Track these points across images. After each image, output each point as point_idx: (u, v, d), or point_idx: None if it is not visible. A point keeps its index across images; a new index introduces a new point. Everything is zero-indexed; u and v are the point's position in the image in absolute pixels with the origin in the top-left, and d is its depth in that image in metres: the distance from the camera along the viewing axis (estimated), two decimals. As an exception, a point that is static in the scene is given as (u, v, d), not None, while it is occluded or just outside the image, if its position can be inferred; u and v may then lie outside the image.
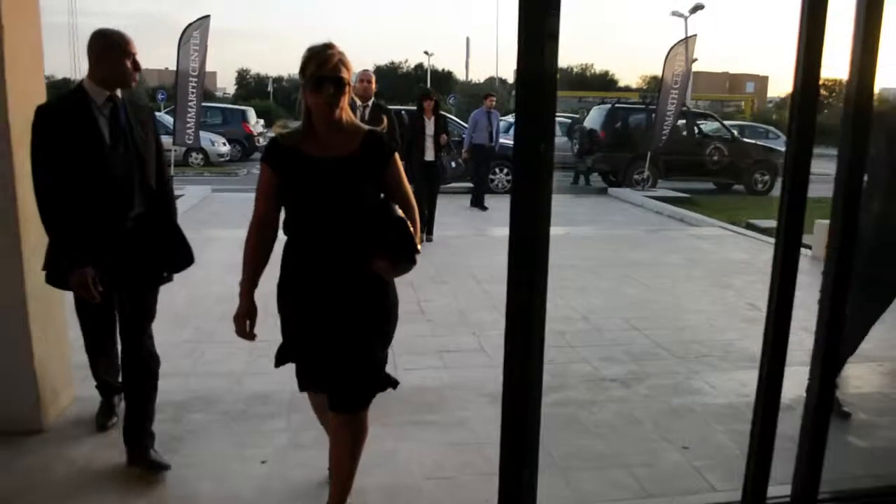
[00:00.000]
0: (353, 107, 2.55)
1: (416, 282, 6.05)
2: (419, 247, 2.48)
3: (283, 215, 2.58)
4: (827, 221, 2.65)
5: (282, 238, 2.55)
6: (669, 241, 9.35)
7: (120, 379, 3.35)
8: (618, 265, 7.62)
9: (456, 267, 7.19)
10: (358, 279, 2.47)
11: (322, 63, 2.40)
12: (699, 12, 23.45)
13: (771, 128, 23.01)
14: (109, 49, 2.96)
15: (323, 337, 2.51)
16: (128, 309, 3.14)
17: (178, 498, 2.92)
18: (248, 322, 2.54)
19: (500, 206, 11.41)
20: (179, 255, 3.25)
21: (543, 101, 2.16)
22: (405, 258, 2.44)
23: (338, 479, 2.67)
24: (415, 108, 9.13)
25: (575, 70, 57.74)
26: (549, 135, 2.18)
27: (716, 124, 16.43)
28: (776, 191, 15.35)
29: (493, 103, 12.04)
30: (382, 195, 2.55)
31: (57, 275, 3.07)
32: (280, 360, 2.70)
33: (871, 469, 3.37)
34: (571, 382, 4.22)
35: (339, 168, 2.44)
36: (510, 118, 20.22)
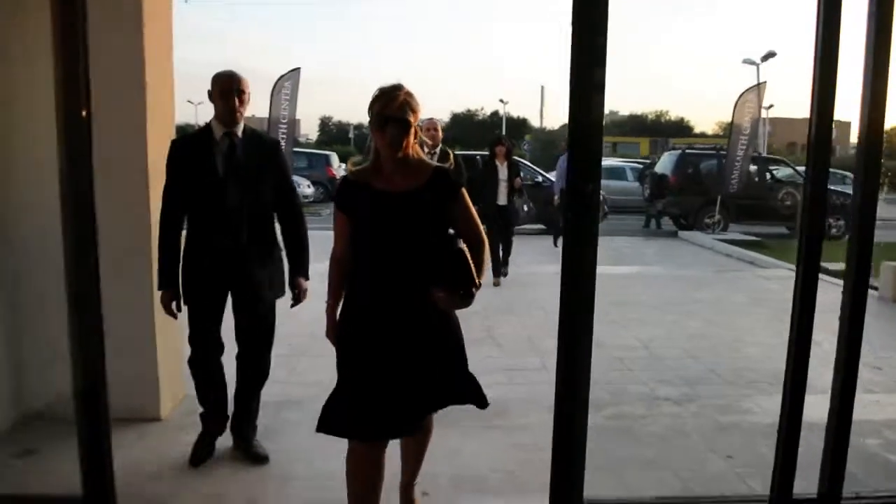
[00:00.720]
0: (422, 147, 2.66)
1: (486, 312, 6.50)
2: (479, 281, 2.53)
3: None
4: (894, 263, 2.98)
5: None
6: (736, 281, 9.53)
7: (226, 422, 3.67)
8: (682, 302, 7.88)
9: (526, 300, 7.62)
10: (422, 310, 2.54)
11: (388, 103, 2.49)
12: (772, 59, 23.39)
13: (848, 173, 22.57)
14: (215, 88, 3.32)
15: (402, 363, 2.56)
16: (244, 324, 3.50)
17: (276, 475, 3.43)
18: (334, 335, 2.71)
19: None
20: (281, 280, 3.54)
21: (591, 146, 2.63)
22: (462, 290, 2.49)
23: (407, 468, 2.96)
24: (487, 153, 9.46)
25: (650, 116, 57.75)
26: (595, 177, 2.64)
27: (789, 170, 16.42)
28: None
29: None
30: (451, 231, 2.64)
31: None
32: (327, 424, 2.62)
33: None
34: (627, 399, 4.57)
35: (405, 202, 2.51)
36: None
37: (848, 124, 63.09)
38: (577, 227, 2.69)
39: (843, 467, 2.95)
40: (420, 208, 2.51)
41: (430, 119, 6.57)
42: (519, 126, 53.02)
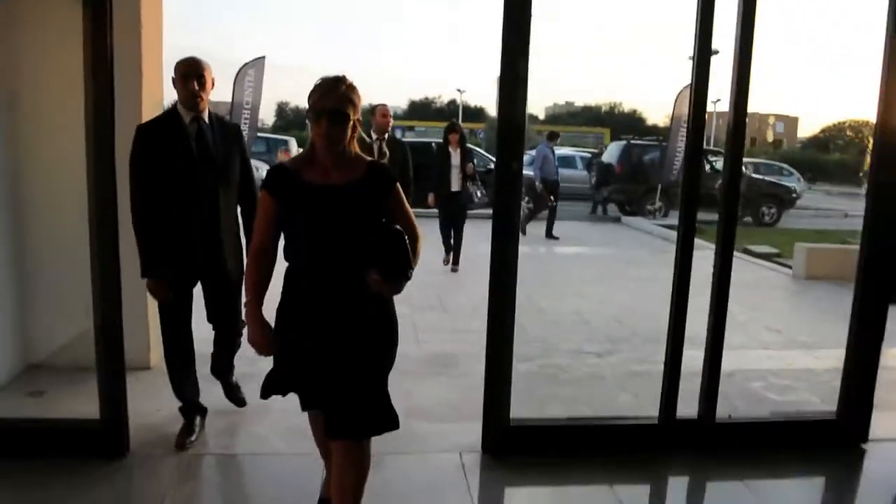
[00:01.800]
0: (364, 143, 2.74)
1: (439, 285, 7.20)
2: (413, 264, 2.45)
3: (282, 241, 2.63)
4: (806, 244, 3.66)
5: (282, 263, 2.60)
6: (668, 261, 10.34)
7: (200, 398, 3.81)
8: (617, 278, 8.72)
9: (475, 276, 8.30)
10: (359, 303, 2.47)
11: (325, 94, 2.40)
12: (715, 56, 24.44)
13: (785, 165, 23.91)
14: (177, 73, 3.39)
15: (327, 361, 2.48)
16: (218, 302, 3.63)
17: (257, 407, 4.06)
18: (264, 338, 2.56)
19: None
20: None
21: (515, 130, 3.33)
22: (398, 272, 2.40)
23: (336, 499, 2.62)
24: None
25: (603, 108, 59.09)
26: (518, 156, 3.34)
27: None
28: (783, 223, 16.33)
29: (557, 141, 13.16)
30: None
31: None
32: (268, 390, 2.63)
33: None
34: (556, 354, 5.32)
35: (338, 195, 2.44)
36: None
37: (796, 119, 65.49)
38: (504, 199, 3.39)
39: (716, 394, 3.71)
40: (354, 202, 2.45)
41: (383, 105, 6.74)
42: (476, 114, 53.72)
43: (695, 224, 3.66)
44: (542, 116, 58.95)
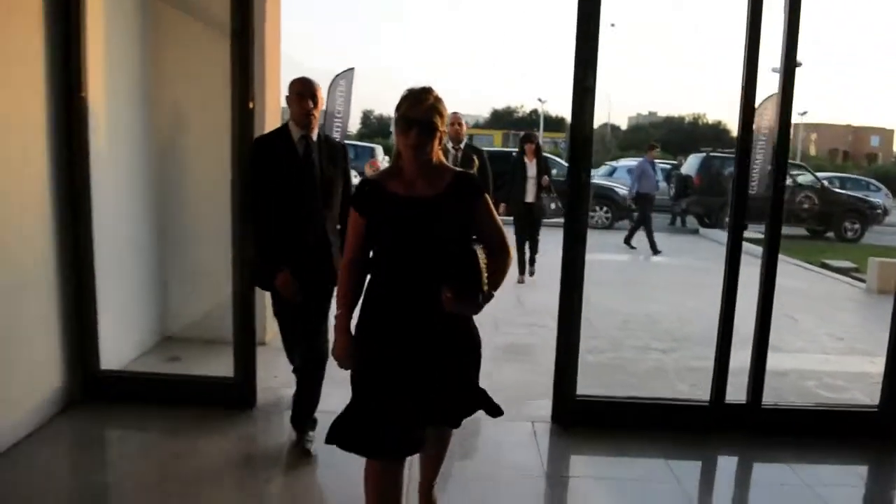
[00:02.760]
0: (446, 153, 2.65)
1: (518, 287, 7.78)
2: (489, 289, 2.45)
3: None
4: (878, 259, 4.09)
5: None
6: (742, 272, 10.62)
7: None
8: (688, 286, 9.08)
9: (553, 279, 8.83)
10: (438, 319, 2.46)
11: (414, 105, 2.43)
12: (800, 69, 24.20)
13: (873, 181, 23.38)
14: (292, 92, 3.52)
15: (419, 375, 2.50)
16: (309, 312, 3.61)
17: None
18: (346, 351, 2.54)
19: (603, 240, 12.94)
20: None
21: (586, 142, 3.87)
22: (469, 292, 2.40)
23: (426, 472, 2.97)
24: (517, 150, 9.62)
25: (687, 119, 58.26)
26: (587, 166, 3.88)
27: (810, 176, 17.35)
28: (868, 239, 16.12)
29: (656, 154, 12.81)
30: (475, 236, 2.56)
31: (260, 279, 3.67)
32: (339, 434, 2.53)
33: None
34: (624, 349, 5.81)
35: (423, 207, 2.44)
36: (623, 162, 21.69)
37: (892, 132, 62.73)
38: (574, 205, 3.94)
39: (762, 381, 4.14)
40: (441, 214, 2.45)
41: (455, 113, 6.35)
42: (557, 124, 53.91)
43: (741, 234, 4.08)
44: (624, 126, 58.60)
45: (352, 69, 15.40)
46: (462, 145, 6.58)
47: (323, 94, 3.64)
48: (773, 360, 4.22)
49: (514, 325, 6.30)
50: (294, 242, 3.50)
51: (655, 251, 12.11)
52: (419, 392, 2.49)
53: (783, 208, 4.19)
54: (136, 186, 4.87)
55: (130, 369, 4.68)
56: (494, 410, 2.75)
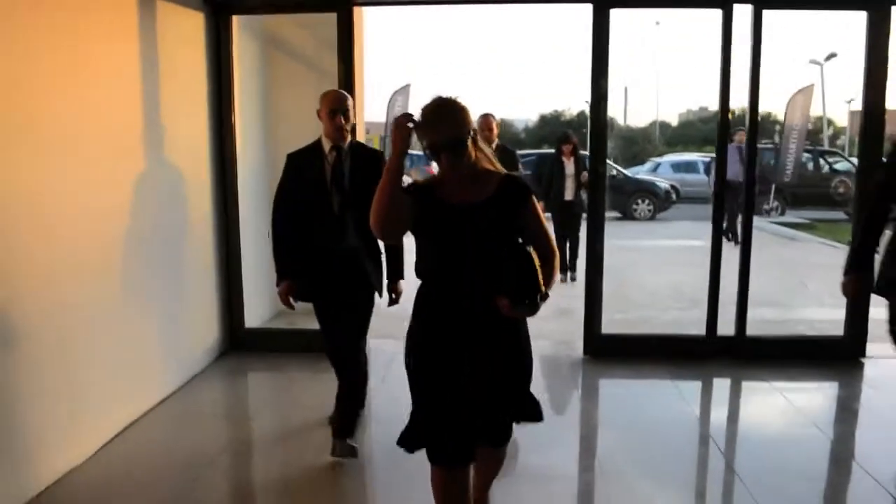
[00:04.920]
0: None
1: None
2: (546, 290, 2.41)
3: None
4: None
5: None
6: (762, 249, 11.65)
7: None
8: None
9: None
10: (494, 322, 2.44)
11: (435, 129, 2.37)
12: (833, 60, 24.98)
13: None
14: (323, 107, 3.59)
15: (474, 384, 2.49)
16: (345, 322, 3.68)
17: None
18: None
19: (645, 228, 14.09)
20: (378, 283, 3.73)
21: (601, 139, 5.20)
22: (527, 296, 2.36)
23: (481, 478, 2.91)
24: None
25: (737, 112, 57.77)
26: (603, 161, 5.21)
27: (846, 162, 18.19)
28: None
29: (744, 138, 12.46)
30: (521, 240, 2.52)
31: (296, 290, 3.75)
32: (414, 439, 2.57)
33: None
34: (649, 309, 7.09)
35: (472, 213, 2.41)
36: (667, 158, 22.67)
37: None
38: (595, 196, 5.26)
39: (745, 317, 5.37)
40: (489, 218, 2.43)
41: (484, 116, 6.11)
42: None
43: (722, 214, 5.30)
44: (674, 123, 58.75)
45: (408, 85, 16.83)
46: (494, 146, 6.14)
47: (350, 103, 3.66)
48: (775, 313, 5.41)
49: (559, 295, 7.57)
50: (324, 253, 3.60)
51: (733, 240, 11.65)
52: (473, 400, 2.50)
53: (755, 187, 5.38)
54: (261, 189, 6.20)
55: (265, 326, 6.19)
56: (537, 417, 2.73)
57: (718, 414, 4.85)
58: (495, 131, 6.18)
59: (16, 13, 3.28)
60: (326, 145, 3.62)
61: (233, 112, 5.43)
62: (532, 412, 2.71)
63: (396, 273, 3.77)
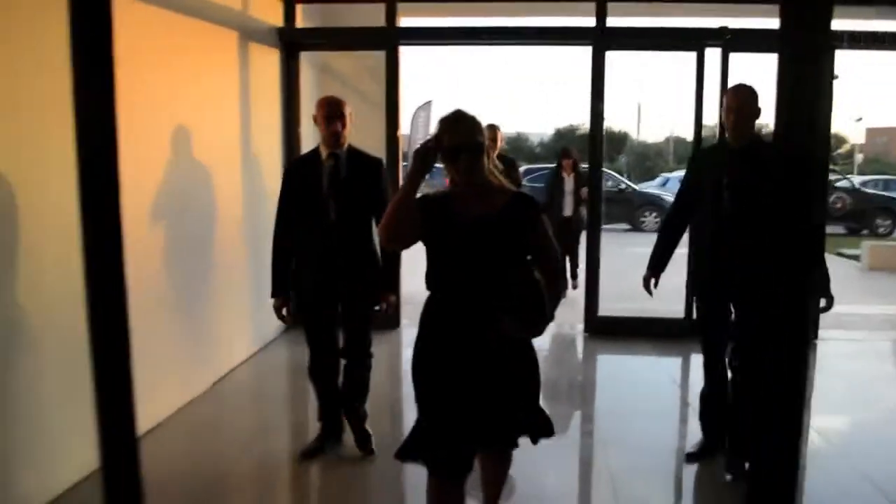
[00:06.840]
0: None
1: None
2: (554, 307, 2.47)
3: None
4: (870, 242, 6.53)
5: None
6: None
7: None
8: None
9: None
10: (497, 340, 2.46)
11: (454, 132, 2.41)
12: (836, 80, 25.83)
13: (900, 179, 24.62)
14: (319, 113, 3.53)
15: (475, 396, 2.47)
16: (349, 328, 3.69)
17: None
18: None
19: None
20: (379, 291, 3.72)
21: (598, 151, 6.35)
22: (530, 321, 2.41)
23: (487, 491, 2.90)
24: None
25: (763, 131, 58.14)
26: (599, 168, 6.36)
27: (841, 178, 19.21)
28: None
29: None
30: (529, 257, 2.53)
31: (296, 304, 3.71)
32: (412, 450, 2.56)
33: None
34: (649, 301, 8.14)
35: (481, 226, 2.43)
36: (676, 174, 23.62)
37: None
38: (594, 196, 6.41)
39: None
40: (498, 234, 2.45)
41: (491, 126, 5.93)
42: (620, 139, 55.47)
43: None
44: (689, 139, 59.20)
45: (430, 102, 17.96)
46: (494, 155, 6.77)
47: (350, 109, 3.62)
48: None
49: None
50: (323, 257, 3.57)
51: None
52: (475, 413, 2.48)
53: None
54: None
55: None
56: (548, 431, 2.72)
57: (693, 382, 5.77)
58: (499, 143, 6.50)
59: (175, 59, 4.51)
60: (323, 152, 3.60)
61: (299, 129, 6.60)
62: (544, 427, 2.72)
63: (387, 284, 3.76)
